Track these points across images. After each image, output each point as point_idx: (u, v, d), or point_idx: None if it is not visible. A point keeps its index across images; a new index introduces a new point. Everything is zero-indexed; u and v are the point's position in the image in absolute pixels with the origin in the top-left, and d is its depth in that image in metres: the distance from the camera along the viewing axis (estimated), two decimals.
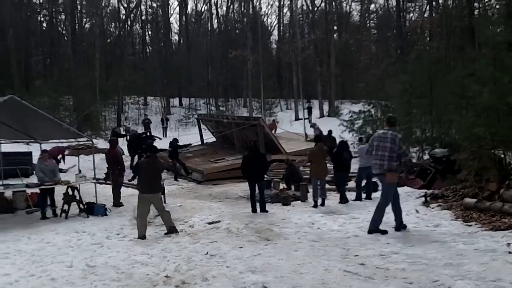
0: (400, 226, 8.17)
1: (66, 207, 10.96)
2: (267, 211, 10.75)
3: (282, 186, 14.60)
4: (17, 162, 16.16)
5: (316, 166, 11.85)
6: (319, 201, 11.60)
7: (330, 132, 20.37)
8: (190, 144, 23.23)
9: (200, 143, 24.82)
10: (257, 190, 11.10)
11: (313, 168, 11.93)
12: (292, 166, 14.92)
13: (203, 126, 26.08)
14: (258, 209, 10.82)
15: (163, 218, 9.09)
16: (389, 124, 8.16)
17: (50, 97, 28.33)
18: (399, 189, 12.37)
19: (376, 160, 8.07)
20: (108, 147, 14.22)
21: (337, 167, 12.36)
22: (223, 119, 23.75)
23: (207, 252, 7.12)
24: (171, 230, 8.87)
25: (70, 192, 11.11)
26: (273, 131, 22.76)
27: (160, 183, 9.85)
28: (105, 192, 14.42)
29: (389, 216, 8.44)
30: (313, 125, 25.05)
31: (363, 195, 12.21)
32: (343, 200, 11.81)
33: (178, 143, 19.48)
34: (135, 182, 10.57)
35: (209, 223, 9.33)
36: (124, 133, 25.01)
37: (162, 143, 21.80)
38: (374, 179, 11.58)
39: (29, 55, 37.50)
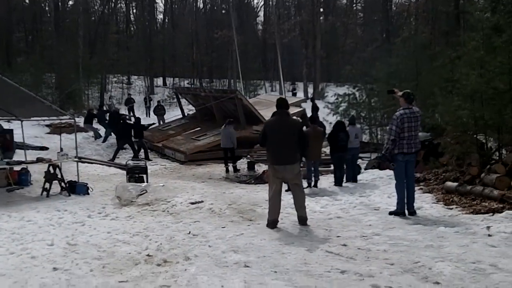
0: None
1: (47, 185, 10.84)
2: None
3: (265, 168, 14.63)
4: None
5: (309, 148, 11.65)
6: (312, 182, 11.63)
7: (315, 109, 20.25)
8: (154, 123, 22.97)
9: (181, 116, 24.94)
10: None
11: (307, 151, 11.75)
12: None
13: (184, 101, 26.11)
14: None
15: (295, 201, 7.54)
16: (409, 101, 7.90)
17: (32, 74, 27.89)
18: (381, 172, 12.57)
19: (409, 140, 7.80)
20: None
21: (333, 148, 12.10)
22: (201, 92, 23.67)
23: (190, 232, 7.10)
24: (303, 220, 7.43)
25: (52, 171, 10.99)
26: None
27: (295, 149, 7.41)
28: (86, 171, 14.34)
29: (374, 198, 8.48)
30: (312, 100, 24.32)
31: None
32: (338, 182, 11.75)
33: (141, 123, 19.36)
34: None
35: (192, 203, 9.31)
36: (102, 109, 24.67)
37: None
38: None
39: (10, 31, 36.82)
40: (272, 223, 7.29)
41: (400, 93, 8.12)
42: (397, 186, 8.10)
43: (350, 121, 13.14)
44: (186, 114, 25.33)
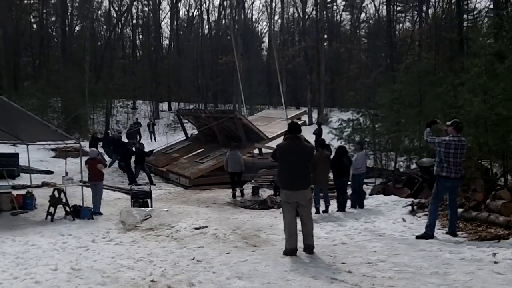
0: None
1: (52, 209, 10.85)
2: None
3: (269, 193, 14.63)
4: (4, 164, 15.99)
5: (317, 173, 11.60)
6: (322, 207, 11.58)
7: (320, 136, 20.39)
8: (154, 149, 22.97)
9: (184, 137, 25.18)
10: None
11: (314, 175, 11.63)
12: None
13: (185, 121, 26.34)
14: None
15: (304, 228, 7.35)
16: (458, 130, 8.06)
17: (39, 99, 28.15)
18: (386, 198, 12.52)
19: (456, 166, 7.98)
20: None
21: (336, 173, 12.04)
22: (201, 113, 23.85)
23: (194, 258, 7.08)
24: (309, 249, 7.24)
25: (57, 195, 11.02)
26: None
27: (308, 174, 7.40)
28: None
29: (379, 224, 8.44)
30: (318, 124, 24.41)
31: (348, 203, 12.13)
32: (341, 207, 11.69)
33: (144, 149, 19.34)
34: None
35: (196, 228, 9.28)
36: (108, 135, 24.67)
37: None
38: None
39: (18, 56, 37.26)
40: (291, 252, 7.07)
41: (448, 123, 8.26)
42: (432, 209, 8.23)
43: (359, 145, 13.17)
44: (189, 135, 25.52)
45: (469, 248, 7.20)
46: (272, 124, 22.25)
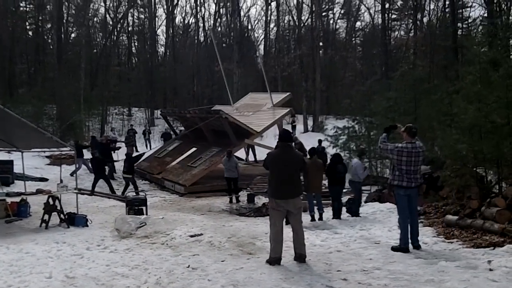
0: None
1: (46, 217, 10.80)
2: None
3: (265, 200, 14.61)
4: None
5: (310, 180, 11.53)
6: (316, 215, 11.58)
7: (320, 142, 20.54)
8: (144, 153, 22.79)
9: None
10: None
11: (308, 183, 11.54)
12: None
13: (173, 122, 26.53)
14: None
15: (295, 237, 7.26)
16: (412, 135, 7.85)
17: (34, 106, 28.06)
18: (382, 205, 12.55)
19: (409, 175, 7.75)
20: None
21: (331, 180, 12.06)
22: (186, 114, 23.82)
23: (189, 265, 7.06)
24: (301, 258, 7.18)
25: (51, 202, 10.98)
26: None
27: (298, 183, 7.57)
28: (86, 203, 14.31)
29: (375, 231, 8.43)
30: (295, 139, 24.66)
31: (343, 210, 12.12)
32: (336, 215, 11.70)
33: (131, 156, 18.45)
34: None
35: (191, 236, 9.26)
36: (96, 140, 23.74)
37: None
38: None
39: (13, 63, 37.18)
40: (276, 261, 7.04)
41: (402, 128, 8.12)
42: (400, 221, 7.97)
43: (360, 154, 13.25)
44: (178, 132, 25.76)
45: (464, 256, 7.22)
46: (258, 113, 22.11)
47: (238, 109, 23.63)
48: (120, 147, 22.19)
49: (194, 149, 21.10)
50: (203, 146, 20.59)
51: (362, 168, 12.28)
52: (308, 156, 12.15)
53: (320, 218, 11.54)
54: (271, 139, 27.56)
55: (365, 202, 13.65)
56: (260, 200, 14.82)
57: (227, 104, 26.93)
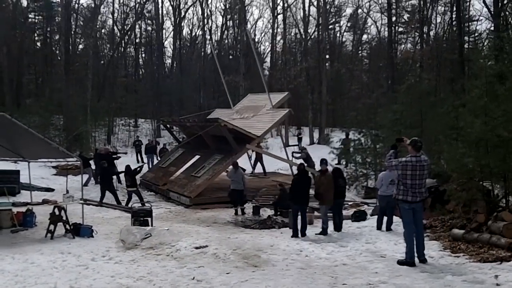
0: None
1: (52, 227, 10.82)
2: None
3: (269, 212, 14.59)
4: (4, 181, 16.00)
5: (323, 193, 11.58)
6: (326, 228, 11.55)
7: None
8: (143, 165, 22.65)
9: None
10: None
11: (321, 197, 11.67)
12: (284, 190, 14.66)
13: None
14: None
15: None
16: (417, 149, 7.87)
17: (41, 116, 28.24)
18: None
19: (414, 189, 7.77)
20: None
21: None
22: (186, 122, 23.83)
23: (194, 277, 7.05)
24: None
25: (57, 212, 10.99)
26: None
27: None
28: (92, 213, 14.31)
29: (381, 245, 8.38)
30: (302, 149, 24.33)
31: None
32: (337, 228, 11.66)
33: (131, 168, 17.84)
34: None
35: (196, 248, 9.24)
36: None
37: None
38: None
39: (21, 73, 37.49)
40: None
41: (408, 141, 8.11)
42: (406, 235, 7.96)
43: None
44: (181, 140, 26.02)
45: (470, 270, 7.17)
46: (258, 116, 21.80)
47: (238, 112, 23.58)
48: (120, 157, 22.17)
49: (197, 157, 21.06)
50: (205, 153, 20.54)
51: (384, 179, 11.91)
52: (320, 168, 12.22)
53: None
54: (276, 150, 27.49)
55: (371, 215, 13.59)
56: (266, 213, 14.78)
57: (228, 107, 26.92)
